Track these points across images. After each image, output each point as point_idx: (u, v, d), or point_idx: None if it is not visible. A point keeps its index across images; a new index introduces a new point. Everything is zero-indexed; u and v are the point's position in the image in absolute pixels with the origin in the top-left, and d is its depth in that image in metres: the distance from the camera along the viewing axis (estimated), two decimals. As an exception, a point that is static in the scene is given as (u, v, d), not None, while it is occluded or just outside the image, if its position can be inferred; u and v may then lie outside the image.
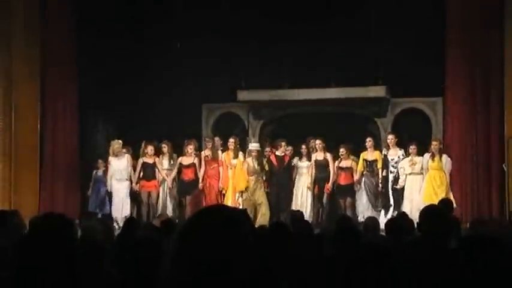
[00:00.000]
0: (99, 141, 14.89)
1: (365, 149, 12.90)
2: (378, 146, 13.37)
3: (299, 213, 9.29)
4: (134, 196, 13.01)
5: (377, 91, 14.20)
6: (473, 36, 11.47)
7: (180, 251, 1.65)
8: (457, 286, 2.75)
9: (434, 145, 12.32)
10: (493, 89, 11.30)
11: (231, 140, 13.23)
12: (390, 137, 12.85)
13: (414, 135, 13.47)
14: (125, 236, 5.99)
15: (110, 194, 12.90)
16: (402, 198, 12.48)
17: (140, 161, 12.83)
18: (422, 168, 12.41)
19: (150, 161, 12.85)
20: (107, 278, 3.56)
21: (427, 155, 12.36)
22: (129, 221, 7.59)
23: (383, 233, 6.96)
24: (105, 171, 13.08)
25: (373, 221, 7.39)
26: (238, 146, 13.21)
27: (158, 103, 14.61)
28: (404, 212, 9.95)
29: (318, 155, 12.91)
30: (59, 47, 12.88)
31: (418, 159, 12.47)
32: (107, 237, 6.90)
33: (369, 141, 12.89)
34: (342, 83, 14.25)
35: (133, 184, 12.81)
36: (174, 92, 14.49)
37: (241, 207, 12.28)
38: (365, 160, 12.78)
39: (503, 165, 11.12)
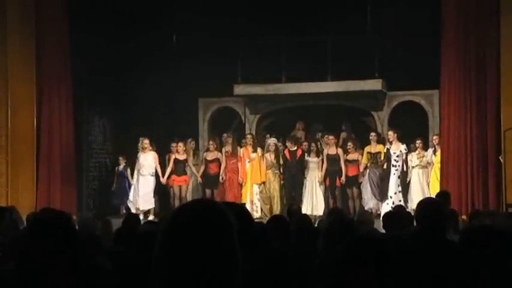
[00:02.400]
0: (96, 136, 14.87)
1: (369, 142, 13.31)
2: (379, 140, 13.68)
3: (296, 207, 9.30)
4: (159, 190, 13.75)
5: (373, 84, 14.23)
6: (470, 28, 11.44)
7: (162, 241, 1.71)
8: (456, 278, 2.75)
9: (435, 139, 13.05)
10: (489, 81, 11.28)
11: (249, 136, 13.99)
12: (390, 133, 13.23)
13: (411, 128, 13.61)
14: (124, 230, 5.98)
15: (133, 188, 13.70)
16: (409, 191, 13.02)
17: (172, 157, 13.64)
18: (427, 162, 13.06)
19: (181, 157, 13.66)
20: (101, 271, 3.57)
21: (430, 150, 13.09)
22: (129, 216, 7.60)
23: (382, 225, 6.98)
24: (125, 167, 14.16)
25: (366, 215, 7.41)
26: (256, 141, 13.91)
27: (154, 98, 14.60)
28: (402, 205, 9.99)
29: (330, 150, 13.43)
30: (54, 42, 12.81)
31: (425, 152, 13.13)
32: (105, 232, 6.91)
33: (373, 136, 13.35)
34: (338, 76, 14.26)
35: (163, 178, 13.57)
36: (171, 86, 14.47)
37: (257, 198, 13.38)
38: (369, 153, 13.24)
39: (500, 157, 11.12)
